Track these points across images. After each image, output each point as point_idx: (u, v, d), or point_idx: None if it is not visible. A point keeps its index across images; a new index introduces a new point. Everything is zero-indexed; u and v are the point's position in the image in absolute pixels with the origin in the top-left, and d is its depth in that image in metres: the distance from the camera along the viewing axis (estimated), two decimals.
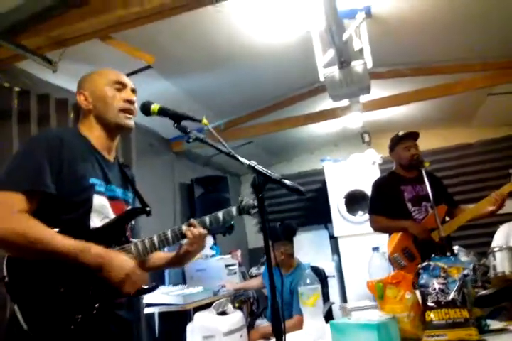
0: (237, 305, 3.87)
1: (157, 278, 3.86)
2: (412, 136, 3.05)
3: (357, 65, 2.93)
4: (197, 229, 1.47)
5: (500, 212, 2.76)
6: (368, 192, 3.30)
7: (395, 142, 3.07)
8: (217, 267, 4.19)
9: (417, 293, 1.54)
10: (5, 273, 1.23)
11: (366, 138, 5.14)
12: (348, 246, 4.94)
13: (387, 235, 3.00)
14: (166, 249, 1.58)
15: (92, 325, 1.25)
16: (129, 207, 1.52)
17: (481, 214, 2.74)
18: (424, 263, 1.55)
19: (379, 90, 4.00)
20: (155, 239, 1.44)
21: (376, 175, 4.65)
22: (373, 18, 3.00)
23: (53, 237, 1.21)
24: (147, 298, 3.21)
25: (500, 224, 4.05)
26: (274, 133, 4.63)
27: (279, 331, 1.19)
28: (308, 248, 4.95)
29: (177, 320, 3.33)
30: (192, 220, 1.50)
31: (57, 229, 1.25)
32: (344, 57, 2.87)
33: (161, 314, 3.31)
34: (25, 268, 1.23)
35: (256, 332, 3.28)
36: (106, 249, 1.28)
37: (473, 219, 2.81)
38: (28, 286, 1.22)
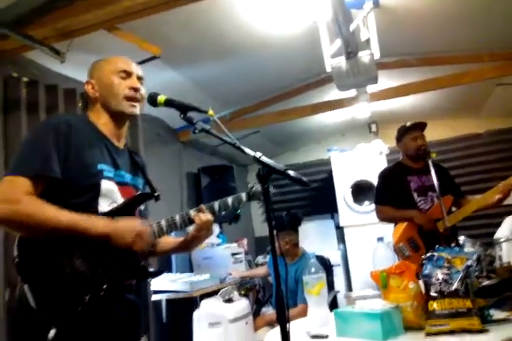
0: (243, 292, 3.91)
1: (164, 266, 3.91)
2: (419, 127, 3.05)
3: (364, 56, 2.91)
4: (205, 215, 1.49)
5: (508, 202, 2.75)
6: (375, 182, 3.31)
7: (402, 133, 3.07)
8: (224, 255, 4.23)
9: (421, 282, 1.56)
10: (16, 254, 1.26)
11: (373, 128, 5.14)
12: (353, 235, 4.96)
13: (392, 225, 3.01)
14: (173, 234, 1.61)
15: (100, 306, 1.28)
16: (139, 191, 1.53)
17: (487, 205, 2.73)
18: (428, 254, 1.57)
19: (386, 80, 3.98)
20: (163, 223, 1.46)
21: (383, 165, 4.65)
22: (381, 8, 2.98)
23: (59, 215, 1.24)
24: (154, 285, 3.26)
25: (506, 215, 4.06)
26: (280, 123, 4.63)
27: (283, 319, 1.21)
28: (314, 237, 4.99)
29: (184, 307, 3.39)
30: (201, 205, 1.52)
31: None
32: (351, 48, 2.86)
33: (168, 301, 3.36)
34: (36, 249, 1.26)
35: (261, 319, 3.33)
36: (110, 218, 1.31)
37: (480, 210, 2.80)
38: (38, 267, 1.25)
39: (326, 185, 5.43)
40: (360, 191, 5.00)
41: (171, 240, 1.66)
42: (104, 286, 1.28)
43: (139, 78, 1.52)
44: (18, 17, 2.27)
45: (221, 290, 3.12)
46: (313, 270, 1.96)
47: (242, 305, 3.15)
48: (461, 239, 3.18)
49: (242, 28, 3.08)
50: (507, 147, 5.21)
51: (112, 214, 1.37)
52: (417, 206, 2.92)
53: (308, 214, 5.13)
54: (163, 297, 3.36)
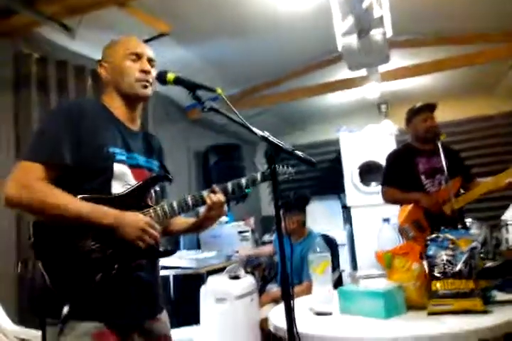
0: (249, 270, 3.98)
1: (172, 243, 3.97)
2: (429, 108, 3.02)
3: (376, 34, 2.87)
4: (216, 196, 1.50)
5: None
6: (383, 163, 3.30)
7: (412, 114, 3.03)
8: (231, 233, 4.28)
9: (425, 263, 1.58)
10: (31, 234, 1.30)
11: (383, 108, 5.09)
12: (360, 216, 4.99)
13: (398, 206, 3.01)
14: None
15: (112, 285, 1.31)
16: (152, 174, 1.54)
17: (497, 188, 2.72)
18: (434, 235, 1.58)
19: (398, 59, 3.92)
20: (175, 204, 1.47)
21: (392, 146, 4.63)
22: None
23: (68, 202, 1.27)
24: (163, 261, 3.31)
25: None
26: (289, 102, 4.60)
27: (287, 296, 1.24)
28: (321, 217, 5.01)
29: (191, 283, 3.45)
30: (214, 186, 1.52)
31: (80, 196, 1.30)
32: (363, 26, 2.81)
33: (175, 277, 3.43)
34: (49, 230, 1.30)
35: (266, 296, 3.39)
36: (120, 210, 1.32)
37: (489, 192, 2.79)
38: (51, 247, 1.29)
39: (334, 165, 5.43)
40: (368, 172, 4.99)
41: (183, 221, 1.68)
42: (116, 266, 1.31)
43: (150, 60, 1.51)
44: None
45: (228, 267, 3.17)
46: (318, 249, 1.98)
47: (248, 282, 3.20)
48: (468, 221, 3.19)
49: (253, 5, 3.04)
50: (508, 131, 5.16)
51: (125, 196, 1.39)
52: (424, 188, 2.91)
53: (316, 194, 5.15)
54: (171, 273, 3.42)
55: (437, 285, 1.46)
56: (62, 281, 1.27)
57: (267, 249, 4.14)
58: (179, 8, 2.87)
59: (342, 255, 4.10)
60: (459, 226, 2.69)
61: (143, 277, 1.43)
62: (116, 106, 1.49)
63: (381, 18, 2.88)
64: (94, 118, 1.40)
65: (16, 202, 1.27)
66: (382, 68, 3.90)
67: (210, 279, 3.15)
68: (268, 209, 6.18)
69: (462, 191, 2.90)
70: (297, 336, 1.23)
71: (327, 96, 4.71)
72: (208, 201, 1.50)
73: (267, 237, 5.29)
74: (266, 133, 1.34)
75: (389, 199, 3.08)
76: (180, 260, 3.46)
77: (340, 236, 4.50)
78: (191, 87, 1.41)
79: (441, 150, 2.76)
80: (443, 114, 3.20)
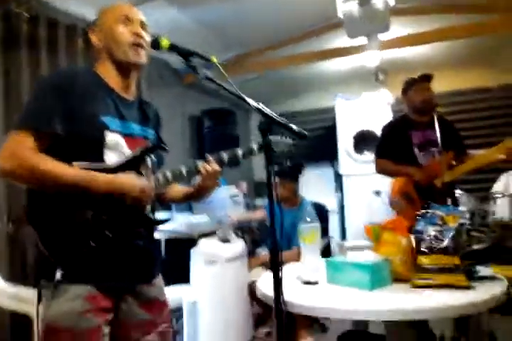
0: (239, 234, 4.04)
1: (165, 207, 4.00)
2: (426, 79, 2.98)
3: (378, 2, 2.80)
4: (211, 166, 1.50)
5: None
6: (378, 133, 3.29)
7: (408, 85, 3.00)
8: (223, 197, 4.31)
9: (412, 238, 1.61)
10: (25, 203, 1.32)
11: (381, 76, 5.01)
12: (352, 184, 5.01)
13: (390, 178, 3.04)
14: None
15: (107, 250, 1.33)
16: (147, 143, 1.52)
17: (488, 162, 2.72)
18: (423, 211, 1.61)
19: (398, 28, 3.84)
20: (168, 174, 1.47)
21: (388, 115, 4.61)
22: None
23: (61, 170, 1.27)
24: None
25: (504, 171, 4.09)
26: (285, 69, 4.52)
27: (276, 265, 1.26)
28: (313, 184, 5.04)
29: (183, 246, 3.50)
30: (208, 156, 1.52)
31: (75, 163, 1.31)
32: None
33: (167, 240, 3.48)
34: (42, 198, 1.31)
35: (255, 260, 3.46)
36: (113, 175, 1.33)
37: (481, 166, 2.80)
38: (45, 214, 1.30)
39: (329, 133, 5.41)
40: (363, 141, 4.98)
41: (180, 189, 1.68)
42: (109, 232, 1.32)
43: (142, 24, 1.47)
44: None
45: (218, 230, 3.23)
46: (308, 219, 2.02)
47: (238, 245, 3.26)
48: (457, 192, 3.23)
49: None
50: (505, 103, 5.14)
51: (119, 167, 1.38)
52: (417, 161, 2.92)
53: (309, 161, 5.16)
54: (162, 236, 3.47)
55: (423, 259, 1.49)
56: (55, 246, 1.28)
57: (259, 214, 4.19)
58: None
59: (332, 222, 4.16)
60: (449, 199, 2.73)
61: (140, 244, 1.44)
62: (109, 75, 1.46)
63: None
64: (87, 88, 1.37)
65: (9, 171, 1.27)
66: (382, 36, 3.82)
67: (202, 241, 3.20)
68: (261, 174, 6.19)
69: (454, 163, 2.92)
70: (284, 305, 1.27)
71: (324, 63, 4.63)
72: (203, 170, 1.50)
73: (259, 201, 5.34)
74: (260, 105, 1.33)
75: (381, 171, 3.10)
76: (172, 223, 3.50)
77: (331, 204, 4.55)
78: (186, 54, 1.38)
79: (436, 122, 2.76)
80: (440, 84, 3.16)
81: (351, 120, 5.06)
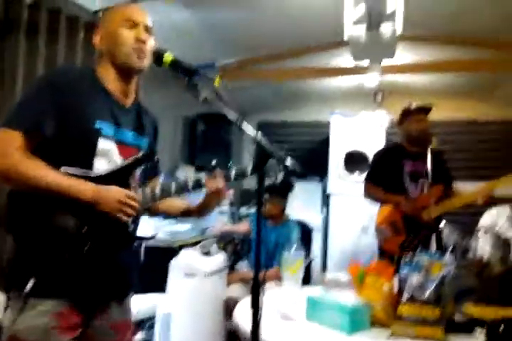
0: (221, 245, 4.01)
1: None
2: (424, 110, 2.98)
3: (386, 29, 2.78)
4: (216, 182, 1.44)
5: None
6: (369, 155, 3.28)
7: (405, 114, 3.00)
8: None
9: (396, 283, 1.60)
10: (5, 205, 1.27)
11: (379, 97, 5.02)
12: (338, 203, 4.98)
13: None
14: None
15: (83, 264, 1.29)
16: (139, 153, 1.47)
17: (472, 202, 2.76)
18: (408, 257, 1.60)
19: (401, 53, 3.83)
20: (173, 186, 1.42)
21: (382, 138, 4.61)
22: None
23: (45, 174, 1.23)
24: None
25: (493, 204, 4.10)
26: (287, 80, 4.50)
27: (257, 282, 1.20)
28: (300, 199, 5.00)
29: (162, 254, 3.46)
30: (216, 170, 1.46)
31: (63, 168, 1.28)
32: (374, 17, 2.72)
33: (147, 248, 3.43)
34: (25, 202, 1.27)
35: (235, 276, 3.44)
36: (97, 186, 1.29)
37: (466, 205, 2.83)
38: (25, 219, 1.26)
39: (321, 148, 5.39)
40: (352, 162, 4.95)
41: (178, 204, 1.62)
42: (86, 247, 1.28)
43: (147, 29, 1.44)
44: None
45: (201, 243, 3.19)
46: (294, 248, 2.00)
47: (219, 259, 3.23)
48: (442, 223, 3.24)
49: None
50: (500, 138, 5.20)
51: (107, 176, 1.34)
52: (407, 191, 2.93)
53: (297, 175, 5.13)
54: (142, 244, 3.42)
55: (403, 309, 1.48)
56: (30, 255, 1.25)
57: (243, 227, 4.16)
58: None
59: (315, 240, 4.12)
60: (433, 234, 2.75)
61: (118, 259, 1.41)
62: (109, 79, 1.42)
63: (393, 12, 2.79)
64: (84, 90, 1.34)
65: None
66: (385, 61, 3.82)
67: (182, 253, 3.17)
68: (249, 182, 6.15)
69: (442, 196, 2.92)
70: None
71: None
72: (209, 186, 1.44)
73: (244, 210, 5.29)
74: (259, 136, 1.31)
75: (370, 197, 3.10)
76: (155, 230, 3.46)
77: (315, 220, 4.53)
78: (188, 72, 1.36)
79: (429, 154, 2.77)
80: (437, 113, 3.14)
81: (345, 138, 5.04)
